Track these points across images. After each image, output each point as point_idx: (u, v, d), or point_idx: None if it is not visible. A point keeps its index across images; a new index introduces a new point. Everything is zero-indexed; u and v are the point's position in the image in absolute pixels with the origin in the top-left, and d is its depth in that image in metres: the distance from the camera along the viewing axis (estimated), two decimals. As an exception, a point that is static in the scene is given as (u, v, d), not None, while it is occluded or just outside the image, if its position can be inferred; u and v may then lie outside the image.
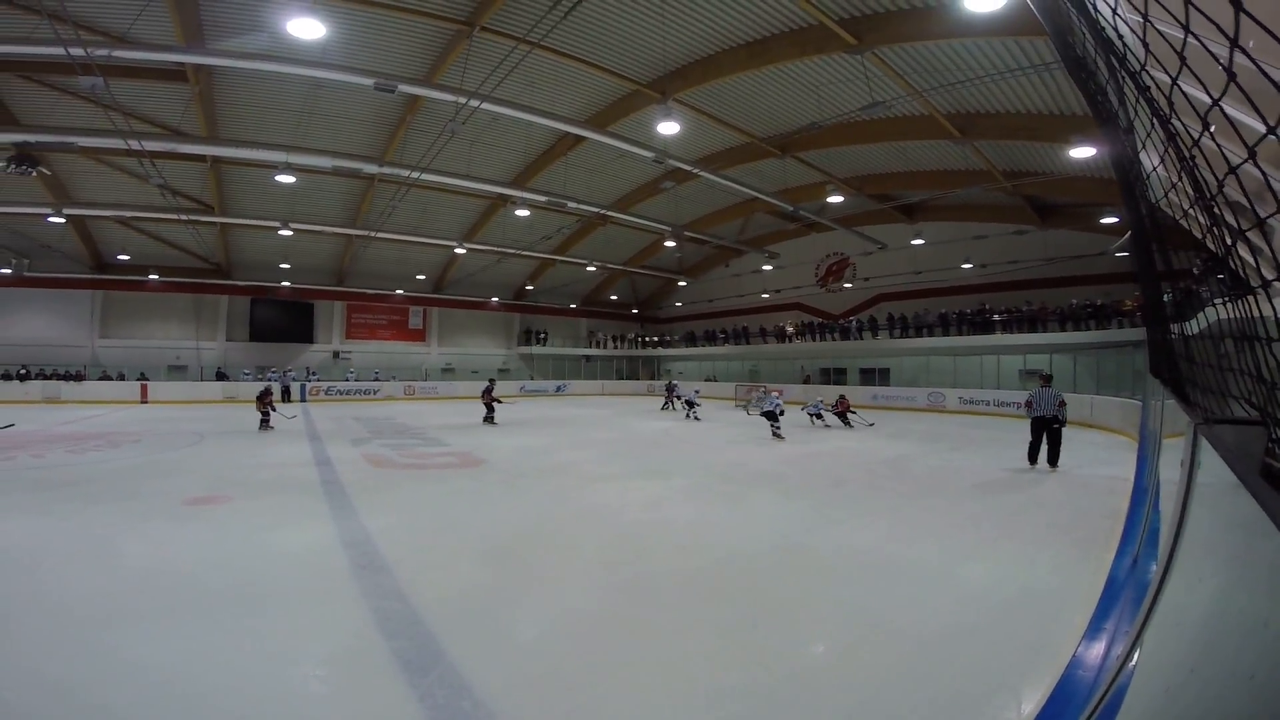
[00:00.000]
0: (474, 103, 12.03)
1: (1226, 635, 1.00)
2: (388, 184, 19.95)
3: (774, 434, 13.59)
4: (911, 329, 23.83)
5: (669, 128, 13.43)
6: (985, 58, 12.01)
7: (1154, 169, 2.46)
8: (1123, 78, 2.20)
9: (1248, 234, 1.49)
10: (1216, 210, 1.66)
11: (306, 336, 29.70)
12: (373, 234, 22.16)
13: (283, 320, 28.92)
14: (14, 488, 7.93)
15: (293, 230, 21.03)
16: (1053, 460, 9.51)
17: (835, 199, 19.59)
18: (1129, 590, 3.48)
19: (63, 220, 19.99)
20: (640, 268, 32.15)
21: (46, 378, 21.93)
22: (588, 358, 36.37)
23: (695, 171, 17.11)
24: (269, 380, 25.93)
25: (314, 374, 27.95)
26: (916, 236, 22.44)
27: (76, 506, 6.96)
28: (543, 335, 35.31)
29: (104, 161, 18.49)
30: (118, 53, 11.05)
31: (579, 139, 17.84)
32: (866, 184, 20.49)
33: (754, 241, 28.09)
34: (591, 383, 34.52)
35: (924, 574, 4.93)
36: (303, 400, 25.41)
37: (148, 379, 23.66)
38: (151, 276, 25.23)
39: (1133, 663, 1.79)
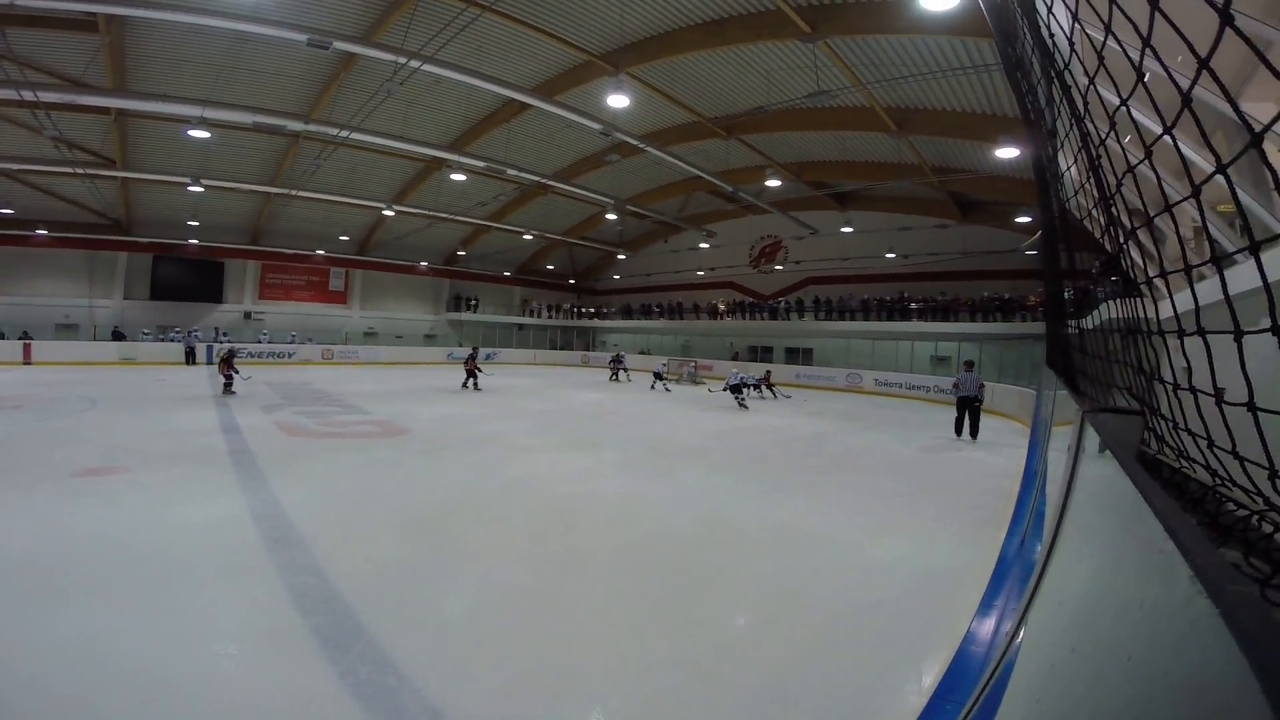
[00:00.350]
0: (415, 64, 11.35)
1: (1104, 615, 1.05)
2: (313, 142, 18.70)
3: (739, 404, 15.04)
4: (836, 312, 24.89)
5: (619, 101, 13.20)
6: (930, 55, 12.43)
7: (1068, 169, 2.64)
8: (1052, 78, 2.34)
9: (1137, 232, 1.63)
10: (1114, 209, 1.81)
11: (215, 296, 27.58)
12: (294, 193, 20.79)
13: (189, 279, 26.69)
14: None
15: (204, 187, 19.45)
16: (974, 433, 11.05)
17: (774, 183, 19.98)
18: (1017, 569, 3.83)
19: None
20: (580, 239, 31.70)
21: None
22: (520, 326, 35.77)
23: (642, 147, 16.95)
24: (173, 339, 24.04)
25: (225, 335, 26.02)
26: (847, 224, 23.31)
27: None
28: (473, 302, 34.36)
29: None
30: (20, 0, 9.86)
31: (525, 106, 17.22)
32: (805, 170, 20.99)
33: (694, 219, 28.29)
34: (524, 351, 34.04)
35: (837, 549, 5.24)
36: (209, 363, 23.69)
37: (31, 338, 21.28)
38: (39, 232, 22.58)
39: (1019, 640, 1.95)
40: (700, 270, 30.77)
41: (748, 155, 19.80)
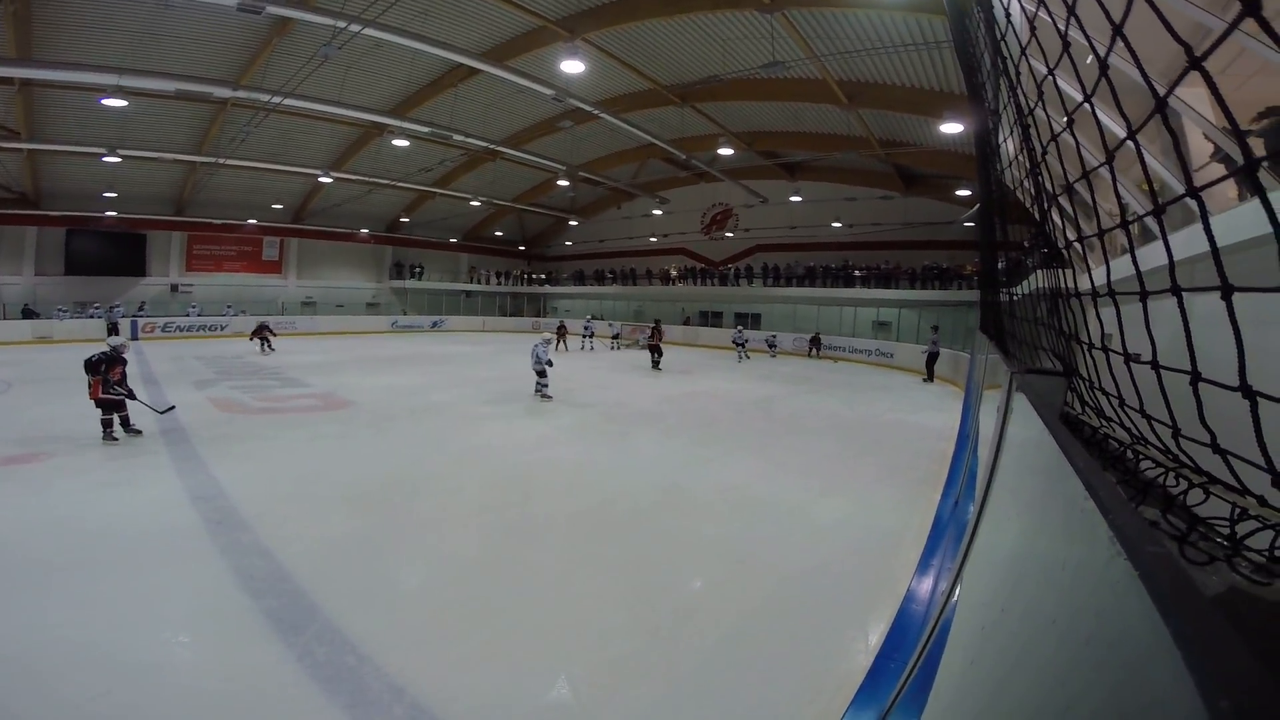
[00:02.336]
0: (356, 28, 10.63)
1: (1030, 577, 1.08)
2: (243, 109, 17.42)
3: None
4: (783, 279, 25.34)
5: (573, 67, 12.77)
6: (884, 30, 12.48)
7: (1004, 140, 2.73)
8: (998, 53, 2.41)
9: (1059, 198, 1.72)
10: (1040, 177, 1.90)
11: (138, 270, 25.71)
12: (221, 161, 19.42)
13: (107, 252, 24.78)
14: None
15: (121, 157, 18.03)
16: (930, 378, 15.07)
17: (726, 151, 19.93)
18: (952, 529, 4.05)
19: None
20: (530, 205, 30.88)
21: None
22: (468, 293, 34.86)
23: (596, 113, 16.53)
24: (93, 315, 22.37)
25: (143, 308, 24.34)
26: (795, 194, 23.57)
27: None
28: (418, 269, 33.18)
29: None
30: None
31: (474, 71, 16.42)
32: (756, 140, 21.03)
33: (647, 186, 27.96)
34: (472, 319, 33.25)
35: (784, 512, 5.44)
36: (134, 338, 22.19)
37: (-75, 319, 19.37)
38: None
39: (955, 598, 2.07)
40: (653, 236, 30.63)
41: (701, 123, 19.64)
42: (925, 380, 15.47)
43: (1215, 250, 0.76)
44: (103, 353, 7.58)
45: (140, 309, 24.08)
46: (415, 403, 10.43)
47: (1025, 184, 2.37)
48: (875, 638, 3.27)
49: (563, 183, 25.09)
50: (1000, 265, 5.07)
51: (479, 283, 35.51)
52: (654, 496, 5.79)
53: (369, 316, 30.27)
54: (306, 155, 22.40)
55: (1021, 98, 1.96)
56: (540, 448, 7.54)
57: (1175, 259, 0.89)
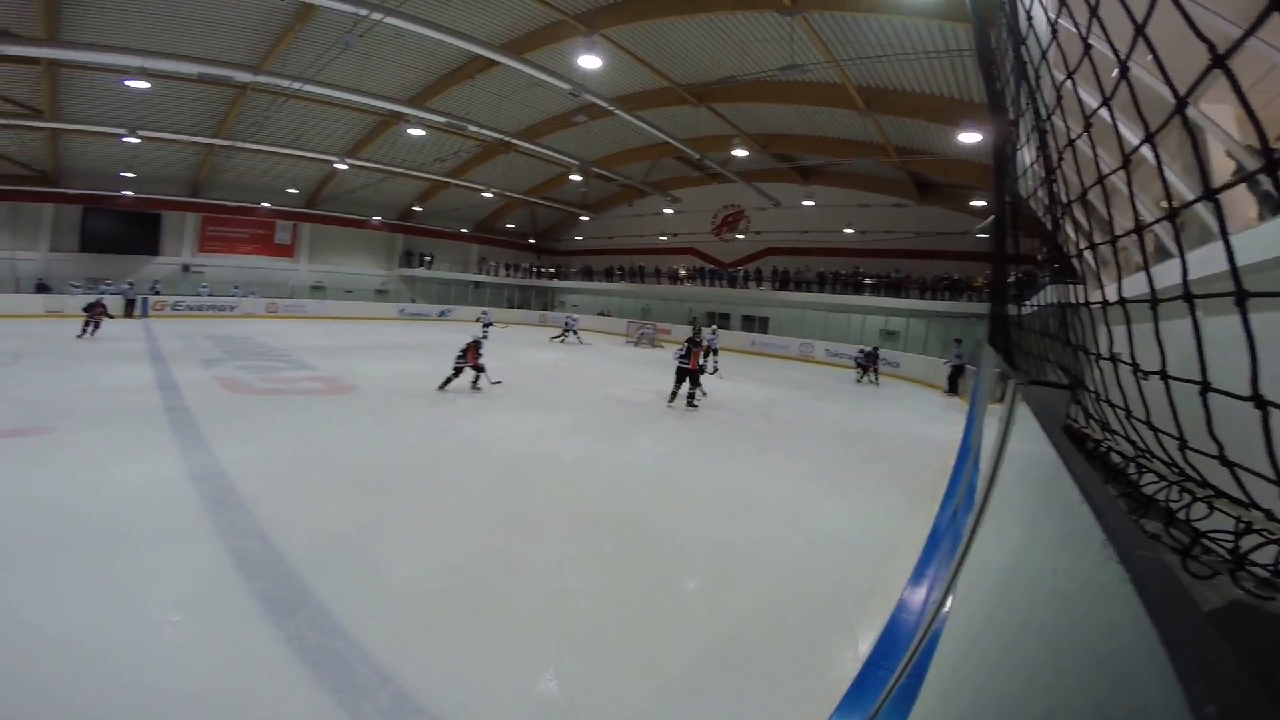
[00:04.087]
0: (378, 16, 10.68)
1: (1019, 584, 1.07)
2: (263, 93, 17.56)
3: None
4: (793, 283, 25.26)
5: (590, 62, 12.81)
6: (906, 36, 12.38)
7: (1020, 147, 2.70)
8: (1023, 61, 2.38)
9: (1073, 205, 1.70)
10: (1054, 185, 1.87)
11: (151, 249, 25.98)
12: (239, 145, 19.67)
13: (123, 231, 25.07)
14: None
15: (141, 138, 18.25)
16: (953, 391, 14.43)
17: (740, 153, 19.87)
18: (948, 540, 4.01)
19: None
20: (542, 199, 30.93)
21: None
22: (477, 284, 34.97)
23: (611, 109, 16.50)
24: (102, 293, 22.58)
25: (157, 286, 24.54)
26: (808, 198, 23.48)
27: None
28: (428, 258, 33.31)
29: None
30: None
31: (491, 63, 16.45)
32: (771, 142, 20.94)
33: (659, 184, 27.92)
34: (479, 309, 33.41)
35: (782, 516, 5.42)
36: (144, 315, 22.43)
37: (-61, 291, 19.66)
38: None
39: (946, 608, 2.05)
40: (663, 235, 30.61)
41: (716, 124, 19.59)
42: (947, 393, 14.97)
43: (1230, 254, 0.73)
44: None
45: (152, 288, 24.30)
46: (419, 390, 10.44)
47: (1039, 193, 2.34)
48: (865, 645, 3.24)
49: (575, 177, 25.11)
50: (1011, 278, 5.03)
51: (488, 274, 35.61)
52: (652, 495, 5.78)
53: (377, 303, 30.39)
54: (323, 141, 22.53)
55: (1040, 103, 1.92)
56: (540, 441, 7.54)
57: (1190, 277, 0.87)
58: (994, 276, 6.60)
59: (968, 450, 6.07)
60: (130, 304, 22.40)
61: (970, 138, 12.63)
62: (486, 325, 22.04)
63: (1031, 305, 3.19)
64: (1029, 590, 0.96)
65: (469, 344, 10.55)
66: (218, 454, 6.06)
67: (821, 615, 3.68)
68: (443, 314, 31.36)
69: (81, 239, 24.32)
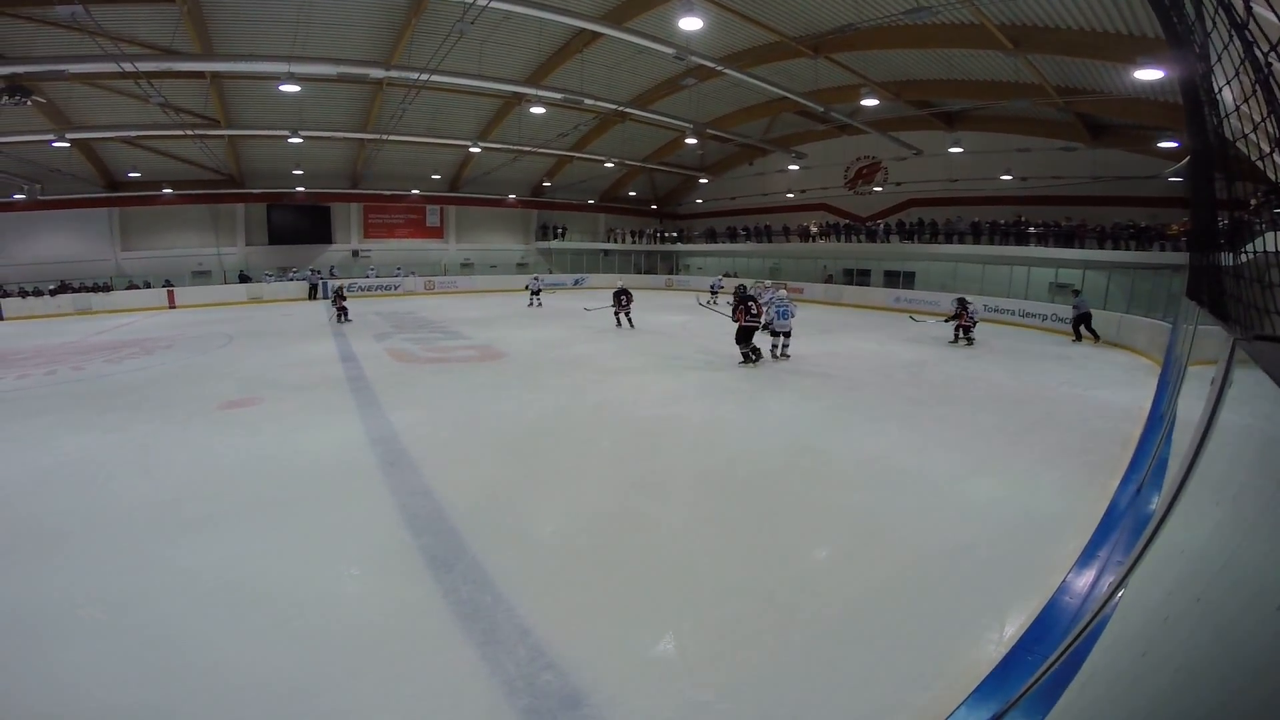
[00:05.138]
0: (482, 1, 11.11)
1: (1229, 574, 0.94)
2: (396, 87, 19.03)
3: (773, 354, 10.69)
4: (941, 235, 22.96)
5: (692, 24, 12.32)
6: None
7: (1223, 86, 2.20)
8: None
9: None
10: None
11: (325, 238, 29.78)
12: (385, 137, 21.57)
13: (300, 223, 28.99)
14: (60, 403, 7.87)
15: (302, 138, 20.63)
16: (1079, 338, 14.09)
17: (870, 102, 18.17)
18: (1128, 521, 3.47)
19: (67, 145, 19.67)
20: (660, 164, 30.80)
21: (75, 290, 22.35)
22: (606, 252, 36.01)
23: (719, 69, 15.87)
24: (291, 278, 26.34)
25: (334, 270, 28.13)
26: (955, 145, 21.00)
27: (122, 417, 7.03)
28: (561, 230, 34.81)
29: (100, 85, 17.68)
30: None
31: (595, 35, 16.53)
32: (905, 89, 18.97)
33: (780, 141, 26.50)
34: (610, 276, 34.30)
35: (930, 486, 5.01)
36: (325, 297, 25.86)
37: (173, 285, 24.08)
38: (165, 191, 25.06)
39: (1120, 596, 1.79)
40: (789, 193, 29.14)
41: (839, 74, 18.11)
42: (1074, 341, 14.39)
43: None
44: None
45: (330, 272, 27.85)
46: (559, 355, 11.10)
47: (1253, 136, 1.89)
48: (1013, 629, 2.93)
49: (690, 141, 24.59)
50: (1221, 224, 4.18)
51: (615, 241, 36.47)
52: (783, 459, 5.65)
53: (519, 275, 32.36)
54: (457, 127, 24.05)
55: (1254, 42, 1.54)
56: (669, 404, 7.65)
57: None
58: (1195, 222, 5.51)
59: (1159, 419, 5.24)
60: (314, 288, 25.83)
61: (1149, 75, 10.60)
62: (535, 292, 22.50)
63: (1249, 254, 2.61)
64: (1257, 573, 0.84)
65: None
66: (391, 418, 6.87)
67: (967, 594, 3.37)
68: (577, 283, 32.65)
69: (269, 232, 28.32)
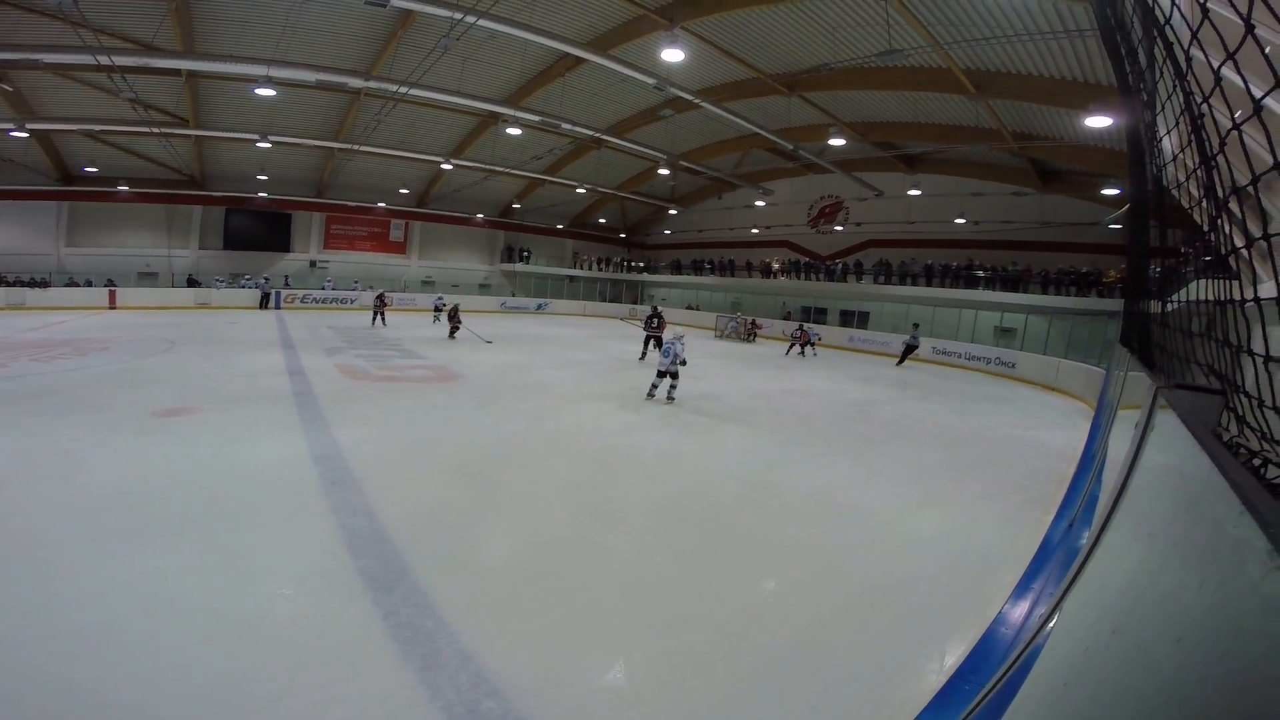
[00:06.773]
0: (471, 19, 11.24)
1: (1150, 598, 1.01)
2: (374, 98, 19.00)
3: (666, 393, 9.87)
4: (896, 276, 23.90)
5: (674, 56, 12.75)
6: (1016, 17, 11.32)
7: (1165, 134, 2.40)
8: (1154, 37, 2.12)
9: (1230, 200, 1.47)
10: (1213, 174, 1.64)
11: (283, 246, 29.01)
12: (356, 147, 21.41)
13: (259, 229, 28.20)
14: (-21, 396, 7.34)
15: (271, 143, 20.29)
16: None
17: (837, 142, 19.02)
18: (1060, 554, 3.64)
19: (26, 135, 18.99)
20: (632, 193, 31.32)
21: (9, 284, 21.04)
22: (571, 278, 36.08)
23: (697, 102, 16.44)
24: (243, 285, 25.40)
25: (287, 280, 27.35)
26: (914, 187, 22.12)
27: (44, 420, 6.57)
28: (526, 253, 34.73)
29: (71, 77, 17.20)
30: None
31: (579, 60, 16.86)
32: (871, 130, 19.90)
33: (749, 177, 27.37)
34: (573, 302, 34.35)
35: (876, 520, 5.15)
36: (277, 307, 25.02)
37: (116, 285, 22.89)
38: (121, 188, 24.11)
39: (1051, 624, 1.88)
40: (755, 228, 29.96)
41: (810, 113, 18.89)
42: (898, 365, 17.51)
43: None
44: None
45: (285, 282, 27.06)
46: (517, 380, 10.93)
47: (1187, 185, 2.06)
48: (953, 659, 3.02)
49: (663, 171, 25.15)
50: (1152, 272, 4.50)
51: (582, 268, 36.59)
52: (736, 491, 5.69)
53: (481, 296, 32.02)
54: (430, 143, 23.99)
55: (1193, 84, 1.69)
56: (626, 433, 7.63)
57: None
58: (1131, 270, 5.91)
59: (1091, 459, 5.51)
60: (265, 297, 25.00)
61: (1098, 122, 11.37)
62: (439, 309, 20.96)
63: (1175, 302, 2.82)
64: (1165, 604, 0.91)
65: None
66: (337, 435, 6.62)
67: (909, 625, 3.46)
68: (540, 307, 32.54)
69: (225, 237, 27.41)
